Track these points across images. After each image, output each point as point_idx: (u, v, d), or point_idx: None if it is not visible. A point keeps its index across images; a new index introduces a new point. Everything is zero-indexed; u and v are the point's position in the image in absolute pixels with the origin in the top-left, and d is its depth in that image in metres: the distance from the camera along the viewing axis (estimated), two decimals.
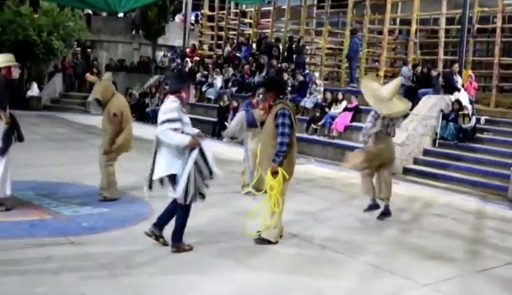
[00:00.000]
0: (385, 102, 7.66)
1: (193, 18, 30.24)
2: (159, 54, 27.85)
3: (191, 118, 16.08)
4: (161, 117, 5.85)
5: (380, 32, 19.79)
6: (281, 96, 6.57)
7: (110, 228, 6.55)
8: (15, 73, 7.47)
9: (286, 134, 6.23)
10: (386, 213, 8.07)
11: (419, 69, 15.65)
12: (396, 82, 8.04)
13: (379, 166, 8.05)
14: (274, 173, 6.26)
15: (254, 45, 22.83)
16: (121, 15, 28.54)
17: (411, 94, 14.34)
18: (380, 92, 7.74)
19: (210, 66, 22.67)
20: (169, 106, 5.86)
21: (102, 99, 8.09)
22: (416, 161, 13.14)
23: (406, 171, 12.73)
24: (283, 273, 5.56)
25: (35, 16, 23.61)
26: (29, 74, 24.87)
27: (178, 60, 24.95)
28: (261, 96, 6.68)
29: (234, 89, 19.83)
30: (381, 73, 18.02)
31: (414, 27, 18.06)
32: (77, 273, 5.17)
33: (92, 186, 8.59)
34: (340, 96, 16.00)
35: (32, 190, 8.28)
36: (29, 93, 23.96)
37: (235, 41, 24.65)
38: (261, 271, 5.56)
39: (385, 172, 8.09)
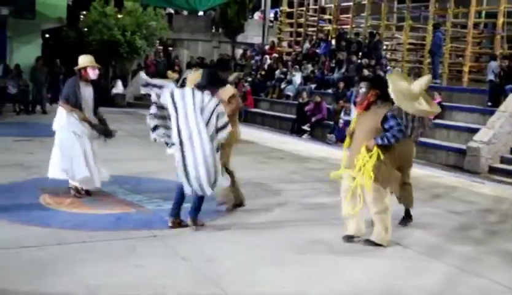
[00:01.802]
0: (410, 100, 6.98)
1: (272, 15, 30.34)
2: (239, 51, 28.11)
3: (271, 115, 16.12)
4: (225, 118, 6.21)
5: (465, 26, 19.13)
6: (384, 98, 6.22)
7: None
8: (92, 74, 7.66)
9: (398, 137, 6.03)
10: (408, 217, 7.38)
11: (506, 63, 14.99)
12: (425, 79, 7.40)
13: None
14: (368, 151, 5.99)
15: (333, 42, 22.62)
16: (201, 13, 29.03)
17: (497, 90, 13.78)
18: (406, 88, 7.07)
19: (289, 62, 22.66)
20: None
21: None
22: (503, 160, 12.61)
23: (493, 170, 12.25)
24: (361, 272, 5.48)
25: (119, 16, 24.38)
26: (113, 72, 25.73)
27: (257, 57, 25.09)
28: (362, 89, 6.39)
29: (313, 86, 19.73)
30: (465, 69, 17.43)
31: (500, 20, 17.34)
32: (159, 265, 5.30)
33: (173, 181, 8.76)
34: None
35: (117, 184, 8.54)
36: (114, 91, 24.77)
37: (314, 38, 24.52)
38: (337, 268, 5.51)
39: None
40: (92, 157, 7.61)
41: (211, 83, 6.39)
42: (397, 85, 6.45)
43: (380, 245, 6.18)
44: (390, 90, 6.42)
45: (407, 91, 6.40)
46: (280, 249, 6.02)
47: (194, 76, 8.38)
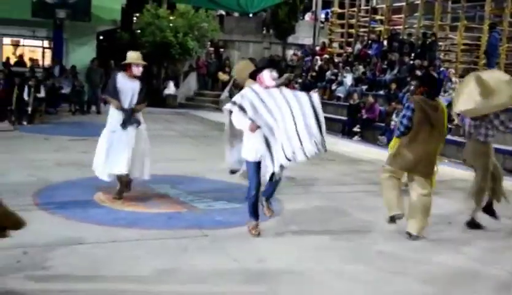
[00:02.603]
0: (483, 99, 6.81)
1: (322, 16, 30.17)
2: (289, 53, 28.08)
3: None
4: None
5: None
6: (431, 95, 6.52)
7: (243, 223, 6.70)
8: (135, 71, 7.67)
9: (399, 130, 6.57)
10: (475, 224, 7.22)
11: None
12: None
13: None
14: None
15: (385, 42, 22.33)
16: (252, 14, 29.13)
17: None
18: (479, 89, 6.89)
19: (340, 63, 22.50)
20: None
21: (237, 77, 8.28)
22: None
23: None
24: (415, 279, 5.40)
25: (172, 18, 24.70)
26: (166, 73, 26.07)
27: (308, 58, 25.01)
28: (412, 88, 6.63)
29: (364, 87, 19.53)
30: None
31: None
32: (210, 264, 5.35)
33: (224, 181, 8.87)
34: None
35: (169, 183, 8.68)
36: (166, 91, 25.09)
37: (365, 38, 24.27)
38: (385, 274, 5.44)
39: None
40: (129, 150, 7.52)
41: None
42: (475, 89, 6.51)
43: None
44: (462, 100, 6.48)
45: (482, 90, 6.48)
46: (332, 251, 5.99)
47: (238, 66, 8.47)
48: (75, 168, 9.64)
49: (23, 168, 8.90)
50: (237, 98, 6.11)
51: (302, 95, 6.06)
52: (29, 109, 15.96)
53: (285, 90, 6.11)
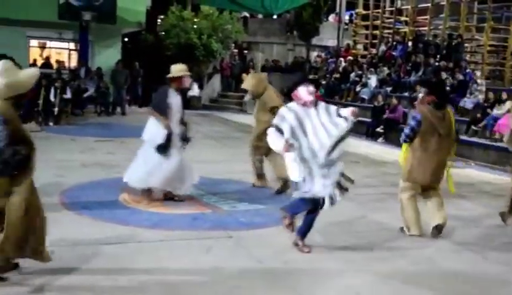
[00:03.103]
0: None
1: (347, 17, 30.08)
2: (313, 54, 28.03)
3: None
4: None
5: None
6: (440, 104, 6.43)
7: (266, 224, 6.70)
8: (186, 83, 7.85)
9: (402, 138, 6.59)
10: None
11: None
12: None
13: None
14: None
15: (410, 44, 22.17)
16: (276, 16, 29.14)
17: None
18: None
19: (364, 65, 22.40)
20: None
21: (253, 90, 8.30)
22: None
23: None
24: (438, 281, 5.35)
25: (196, 20, 24.81)
26: (190, 75, 26.18)
27: (332, 60, 24.93)
28: (420, 94, 6.49)
29: (389, 89, 19.42)
30: None
31: None
32: (235, 266, 5.36)
33: (247, 183, 8.89)
34: (504, 96, 15.02)
35: (193, 184, 8.70)
36: (190, 93, 25.13)
37: (390, 40, 24.13)
38: (409, 277, 5.39)
39: None
40: (176, 167, 7.57)
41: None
42: None
43: None
44: None
45: None
46: (356, 253, 5.96)
47: (251, 81, 8.48)
48: (101, 169, 9.74)
49: (50, 168, 9.02)
50: (277, 120, 5.77)
51: (341, 122, 5.75)
52: (56, 110, 16.17)
53: (322, 108, 5.83)
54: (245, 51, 28.78)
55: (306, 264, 5.51)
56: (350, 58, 24.06)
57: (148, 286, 4.78)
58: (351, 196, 8.68)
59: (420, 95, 6.47)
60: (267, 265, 5.44)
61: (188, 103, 23.91)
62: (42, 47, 23.77)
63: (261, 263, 5.47)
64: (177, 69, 7.64)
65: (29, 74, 4.69)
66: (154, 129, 7.51)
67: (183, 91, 8.06)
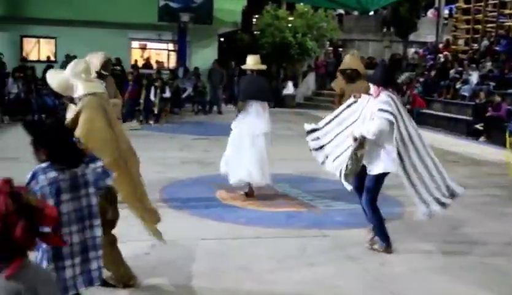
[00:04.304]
0: None
1: (446, 12, 29.08)
2: (411, 51, 27.33)
3: (444, 117, 15.39)
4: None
5: None
6: None
7: (362, 224, 6.59)
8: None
9: None
10: None
11: None
12: None
13: None
14: None
15: None
16: (372, 13, 28.66)
17: None
18: None
19: (464, 61, 21.55)
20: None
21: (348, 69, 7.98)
22: None
23: None
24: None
25: (291, 18, 24.87)
26: (284, 73, 26.30)
27: (430, 56, 24.19)
28: None
29: (491, 85, 18.57)
30: None
31: None
32: (331, 265, 5.33)
33: (342, 182, 8.76)
34: None
35: (287, 182, 8.73)
36: (285, 92, 25.30)
37: (493, 34, 23.08)
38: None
39: None
40: (256, 155, 7.68)
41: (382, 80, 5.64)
42: None
43: None
44: None
45: None
46: (455, 258, 5.75)
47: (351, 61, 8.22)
48: (198, 166, 9.98)
49: (151, 165, 9.31)
50: (391, 107, 5.42)
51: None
52: (156, 109, 16.73)
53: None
54: (340, 49, 28.52)
55: (404, 267, 5.38)
56: (449, 53, 23.24)
57: (244, 282, 4.84)
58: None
59: None
60: (363, 265, 5.36)
61: (283, 101, 24.12)
62: (143, 48, 24.66)
63: (358, 264, 5.40)
64: (253, 62, 7.84)
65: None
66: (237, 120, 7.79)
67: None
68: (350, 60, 8.25)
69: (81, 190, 3.32)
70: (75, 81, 4.27)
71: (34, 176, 3.16)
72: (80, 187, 3.31)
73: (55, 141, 3.23)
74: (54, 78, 4.34)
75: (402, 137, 5.44)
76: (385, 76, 5.67)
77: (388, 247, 5.69)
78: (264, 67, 8.00)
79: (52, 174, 3.19)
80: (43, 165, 3.21)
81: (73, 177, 3.28)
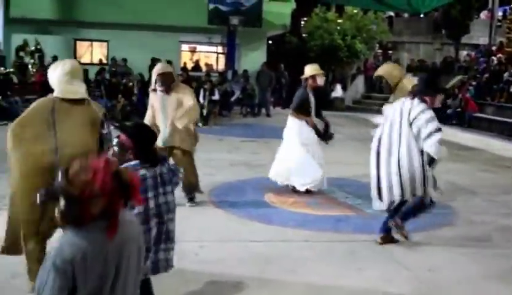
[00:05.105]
0: None
1: (500, 13, 28.38)
2: (463, 53, 26.78)
3: (499, 121, 14.97)
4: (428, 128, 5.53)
5: None
6: None
7: (411, 229, 6.51)
8: (320, 81, 8.21)
9: None
10: None
11: None
12: None
13: None
14: None
15: None
16: (422, 15, 28.22)
17: None
18: None
19: None
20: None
21: (386, 76, 7.82)
22: None
23: None
24: None
25: (340, 21, 24.73)
26: (333, 76, 26.16)
27: (483, 59, 23.66)
28: None
29: None
30: None
31: None
32: (380, 271, 5.28)
33: None
34: None
35: (337, 186, 8.69)
36: (333, 94, 25.13)
37: None
38: None
39: None
40: (317, 161, 8.05)
41: (425, 89, 5.78)
42: None
43: None
44: None
45: None
46: (506, 263, 5.62)
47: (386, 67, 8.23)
48: (246, 168, 10.03)
49: (201, 167, 9.37)
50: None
51: None
52: (205, 111, 16.88)
53: None
54: (390, 52, 28.21)
55: (453, 273, 5.29)
56: (503, 56, 22.66)
57: (293, 285, 4.85)
58: (503, 202, 8.26)
59: None
60: (414, 272, 5.30)
61: (331, 104, 23.98)
62: (192, 51, 24.96)
63: (407, 270, 5.34)
64: (311, 69, 8.17)
65: None
66: (294, 130, 8.12)
67: (318, 91, 8.54)
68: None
69: (160, 188, 3.52)
70: (56, 82, 4.29)
71: None
72: (161, 184, 3.52)
73: (146, 141, 3.50)
74: (50, 77, 4.37)
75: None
76: (425, 88, 5.80)
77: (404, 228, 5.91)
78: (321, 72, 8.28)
79: (142, 171, 3.41)
80: (132, 163, 3.41)
81: (155, 176, 3.48)
